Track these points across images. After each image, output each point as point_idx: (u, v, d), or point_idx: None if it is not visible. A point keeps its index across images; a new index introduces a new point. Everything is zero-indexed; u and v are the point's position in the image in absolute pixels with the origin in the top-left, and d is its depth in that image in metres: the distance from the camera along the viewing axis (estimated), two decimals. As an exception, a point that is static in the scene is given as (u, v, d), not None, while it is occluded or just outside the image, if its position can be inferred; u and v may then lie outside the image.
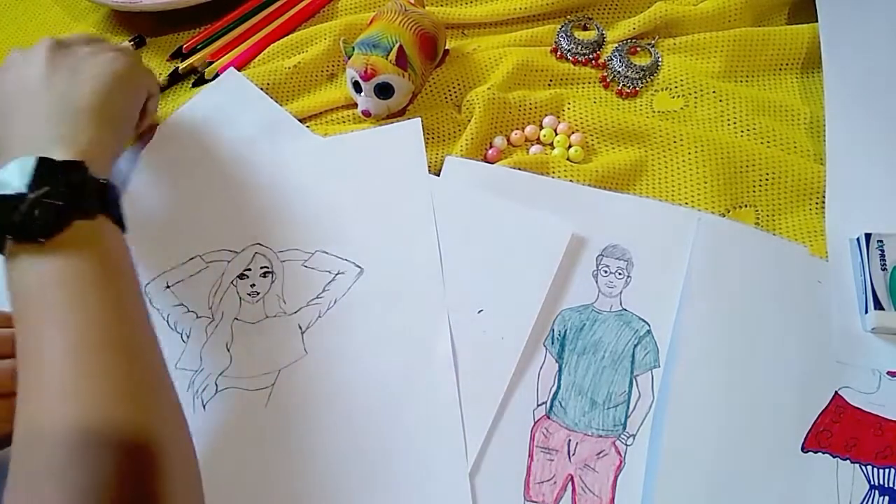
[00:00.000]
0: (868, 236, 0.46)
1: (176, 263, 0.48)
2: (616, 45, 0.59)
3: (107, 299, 0.34)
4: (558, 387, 0.43)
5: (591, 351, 0.44)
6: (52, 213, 0.34)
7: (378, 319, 0.45)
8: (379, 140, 0.53)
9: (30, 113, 0.41)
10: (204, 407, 0.43)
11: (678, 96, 0.55)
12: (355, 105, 0.54)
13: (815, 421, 0.42)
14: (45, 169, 0.36)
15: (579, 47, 0.59)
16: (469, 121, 0.54)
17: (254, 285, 0.47)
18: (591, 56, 0.58)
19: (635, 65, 0.57)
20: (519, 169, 0.51)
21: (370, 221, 0.49)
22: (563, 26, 0.60)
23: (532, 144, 0.54)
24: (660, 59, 0.57)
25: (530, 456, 0.42)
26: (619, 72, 0.57)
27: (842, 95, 0.53)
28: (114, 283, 0.35)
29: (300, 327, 0.45)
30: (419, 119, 0.53)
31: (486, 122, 0.53)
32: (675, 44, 0.58)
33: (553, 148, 0.54)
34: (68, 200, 0.35)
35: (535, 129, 0.54)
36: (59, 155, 0.37)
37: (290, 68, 0.58)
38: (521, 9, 0.60)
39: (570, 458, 0.42)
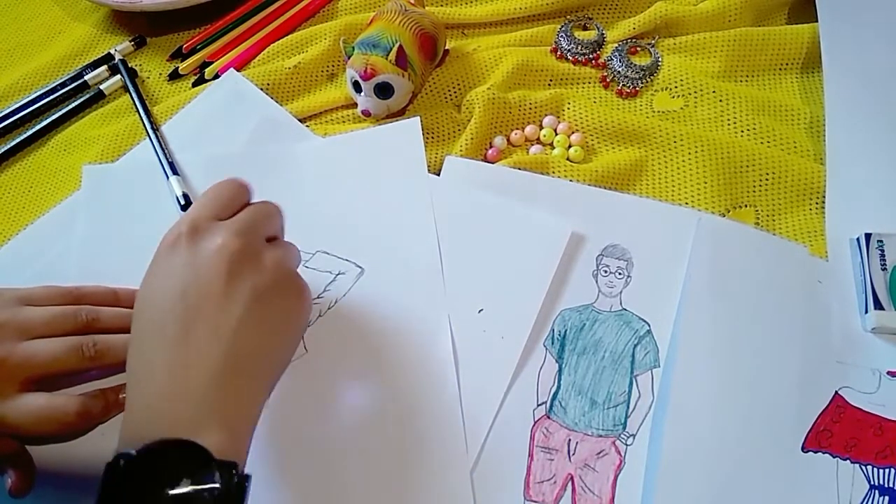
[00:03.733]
0: (868, 236, 0.46)
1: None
2: (616, 44, 0.59)
3: None
4: (558, 387, 0.43)
5: (591, 351, 0.44)
6: None
7: (379, 319, 0.45)
8: (378, 139, 0.53)
9: (194, 353, 0.33)
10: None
11: (678, 96, 0.55)
12: (355, 105, 0.54)
13: (815, 421, 0.42)
14: (195, 464, 0.31)
15: (579, 47, 0.59)
16: (469, 121, 0.54)
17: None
18: (591, 56, 0.58)
19: (635, 65, 0.57)
20: (519, 169, 0.51)
21: (370, 221, 0.49)
22: (563, 26, 0.60)
23: (532, 144, 0.54)
24: (660, 59, 0.57)
25: (530, 455, 0.42)
26: (619, 72, 0.57)
27: (842, 95, 0.53)
28: None
29: (300, 327, 0.45)
30: (418, 118, 0.53)
31: (486, 122, 0.53)
32: (675, 44, 0.58)
33: (553, 148, 0.54)
34: None
35: (535, 129, 0.54)
36: (214, 442, 0.31)
37: (290, 68, 0.58)
38: (521, 9, 0.60)
39: (570, 457, 0.42)
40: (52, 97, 0.60)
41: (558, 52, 0.59)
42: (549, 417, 0.43)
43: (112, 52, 0.62)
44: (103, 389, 0.41)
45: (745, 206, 0.50)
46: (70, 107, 0.59)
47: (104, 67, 0.61)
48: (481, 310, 0.45)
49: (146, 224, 0.50)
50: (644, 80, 0.57)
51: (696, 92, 0.55)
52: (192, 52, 0.61)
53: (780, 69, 0.58)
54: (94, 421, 0.40)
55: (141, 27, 0.64)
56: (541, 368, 0.44)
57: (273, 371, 0.38)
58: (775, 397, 0.42)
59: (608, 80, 0.57)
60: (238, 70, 0.59)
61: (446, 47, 0.58)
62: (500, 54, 0.57)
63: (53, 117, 0.58)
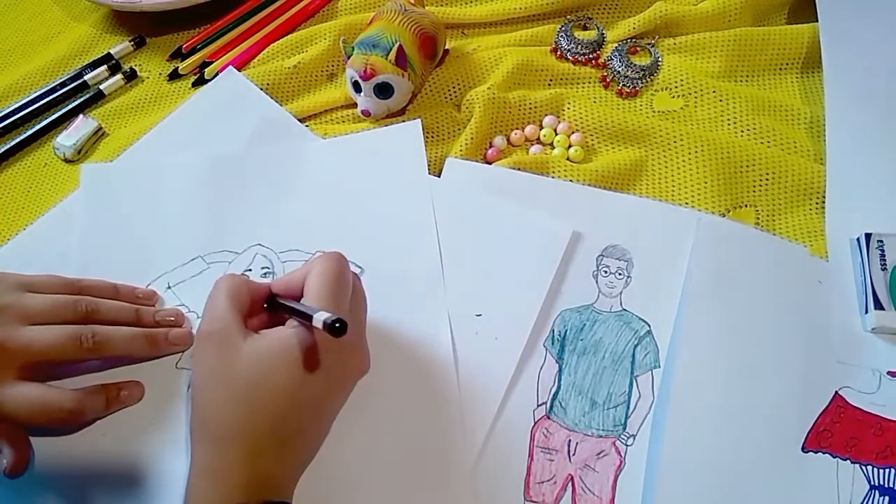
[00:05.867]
0: (868, 236, 0.46)
1: (177, 264, 0.48)
2: (616, 44, 0.59)
3: None
4: (558, 387, 0.43)
5: (591, 351, 0.44)
6: None
7: (379, 319, 0.45)
8: (379, 141, 0.53)
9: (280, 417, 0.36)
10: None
11: (678, 96, 0.55)
12: (355, 105, 0.54)
13: (816, 421, 0.42)
14: None
15: (579, 47, 0.59)
16: (469, 120, 0.54)
17: (254, 285, 0.47)
18: (591, 56, 0.58)
19: (635, 64, 0.57)
20: (519, 169, 0.51)
21: (371, 222, 0.49)
22: (563, 26, 0.60)
23: (532, 144, 0.54)
24: (660, 59, 0.57)
25: (530, 456, 0.42)
26: (619, 71, 0.57)
27: (842, 95, 0.53)
28: None
29: (300, 327, 0.45)
30: (419, 120, 0.53)
31: (485, 122, 0.53)
32: (675, 44, 0.58)
33: (553, 148, 0.54)
34: None
35: (535, 128, 0.54)
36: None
37: (290, 68, 0.58)
38: (521, 9, 0.60)
39: (570, 458, 0.42)
40: (52, 97, 0.59)
41: (558, 52, 0.59)
42: (549, 418, 0.43)
43: (111, 52, 0.62)
44: (105, 385, 0.41)
45: (745, 206, 0.50)
46: (70, 107, 0.59)
47: (104, 67, 0.61)
48: (479, 314, 0.45)
49: (144, 223, 0.50)
50: (644, 80, 0.57)
51: (696, 92, 0.55)
52: (192, 51, 0.61)
53: (780, 69, 0.58)
54: (91, 417, 0.40)
55: (141, 27, 0.64)
56: (541, 369, 0.44)
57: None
58: (775, 397, 0.42)
59: (608, 79, 0.57)
60: (238, 70, 0.58)
61: (446, 47, 0.58)
62: (500, 54, 0.57)
63: (53, 117, 0.58)
